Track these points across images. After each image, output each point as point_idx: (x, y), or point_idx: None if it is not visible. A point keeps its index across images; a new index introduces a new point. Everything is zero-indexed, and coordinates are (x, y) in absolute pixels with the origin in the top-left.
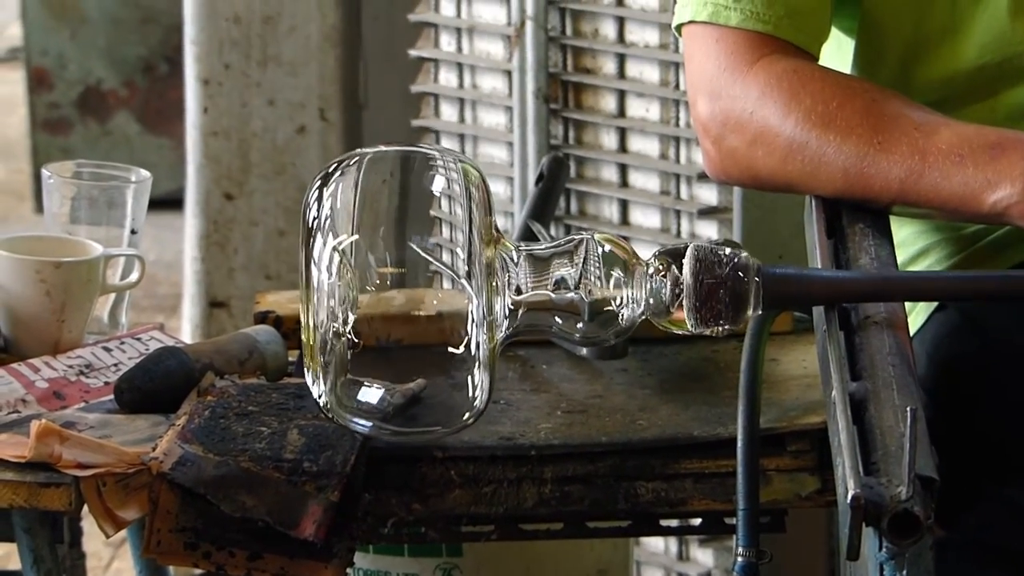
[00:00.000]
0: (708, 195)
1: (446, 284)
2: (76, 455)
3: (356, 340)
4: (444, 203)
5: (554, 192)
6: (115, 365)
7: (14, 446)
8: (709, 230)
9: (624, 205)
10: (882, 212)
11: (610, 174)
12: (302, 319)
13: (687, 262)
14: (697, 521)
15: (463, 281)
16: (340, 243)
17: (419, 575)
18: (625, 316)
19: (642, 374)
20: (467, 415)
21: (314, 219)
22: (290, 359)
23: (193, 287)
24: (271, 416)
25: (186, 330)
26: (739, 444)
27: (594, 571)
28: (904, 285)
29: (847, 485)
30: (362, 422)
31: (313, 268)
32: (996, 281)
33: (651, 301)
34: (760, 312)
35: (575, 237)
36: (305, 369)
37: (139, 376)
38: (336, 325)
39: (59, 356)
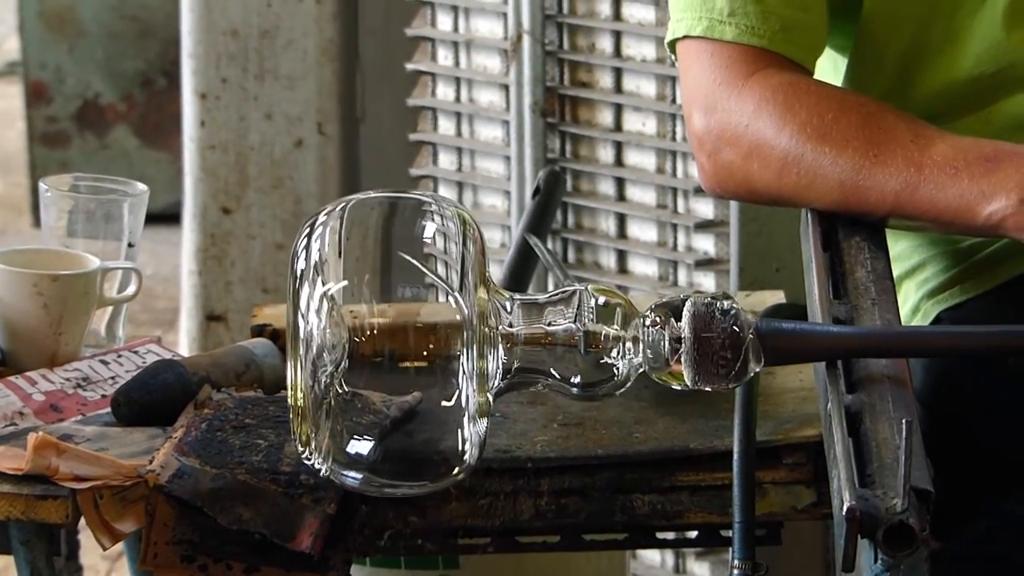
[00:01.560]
0: (705, 209)
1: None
2: (73, 468)
3: (347, 390)
4: (436, 248)
5: (551, 205)
6: (112, 378)
7: (11, 459)
8: (706, 244)
9: (621, 219)
10: (878, 225)
11: (607, 188)
12: (289, 376)
13: (686, 317)
14: (693, 534)
15: (455, 294)
16: (328, 290)
17: None
18: (621, 368)
19: (638, 387)
20: (457, 470)
21: (301, 268)
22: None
23: (190, 300)
24: (268, 429)
25: (183, 343)
26: (735, 457)
27: None
28: (906, 341)
29: (842, 497)
30: (353, 475)
31: (300, 319)
32: (999, 337)
33: (649, 354)
34: (760, 369)
35: (569, 288)
36: (292, 427)
37: (136, 389)
38: (326, 375)
39: (56, 369)
